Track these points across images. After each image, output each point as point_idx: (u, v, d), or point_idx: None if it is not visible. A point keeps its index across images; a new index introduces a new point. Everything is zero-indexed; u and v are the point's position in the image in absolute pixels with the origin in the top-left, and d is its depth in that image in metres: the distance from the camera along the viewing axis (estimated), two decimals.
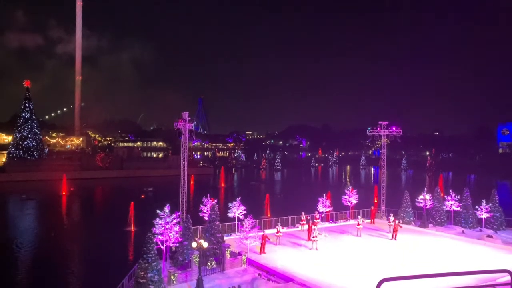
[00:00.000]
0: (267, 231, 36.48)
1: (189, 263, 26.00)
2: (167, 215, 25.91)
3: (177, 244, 27.24)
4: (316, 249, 32.15)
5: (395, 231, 36.41)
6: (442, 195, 46.01)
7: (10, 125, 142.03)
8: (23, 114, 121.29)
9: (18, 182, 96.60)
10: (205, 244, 23.91)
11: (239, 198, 35.03)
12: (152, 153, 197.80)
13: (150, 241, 22.77)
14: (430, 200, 41.78)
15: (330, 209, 41.45)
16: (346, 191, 43.85)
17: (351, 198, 42.79)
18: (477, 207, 39.96)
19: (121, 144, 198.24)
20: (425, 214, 41.65)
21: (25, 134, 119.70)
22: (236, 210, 34.21)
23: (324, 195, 41.49)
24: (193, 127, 37.63)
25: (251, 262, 28.51)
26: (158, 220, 25.78)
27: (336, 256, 30.95)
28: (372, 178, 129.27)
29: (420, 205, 42.01)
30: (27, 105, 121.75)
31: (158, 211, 26.20)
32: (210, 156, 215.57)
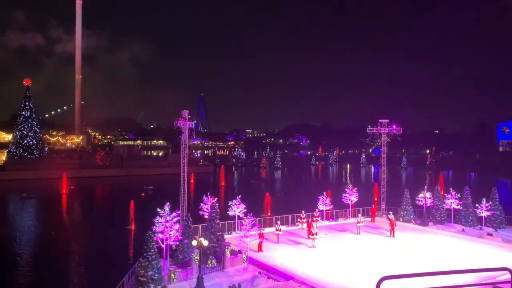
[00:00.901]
0: (267, 229, 36.61)
1: (189, 262, 26.02)
2: (167, 214, 25.92)
3: (178, 243, 27.27)
4: (314, 246, 32.28)
5: (392, 227, 36.59)
6: (442, 193, 46.02)
7: (10, 123, 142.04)
8: (23, 112, 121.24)
9: (18, 180, 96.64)
10: (205, 243, 23.92)
11: (239, 196, 35.01)
12: (152, 152, 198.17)
13: (151, 240, 22.77)
14: (430, 198, 41.81)
15: (330, 207, 41.45)
16: (346, 189, 43.84)
17: (351, 197, 42.78)
18: (477, 205, 40.00)
19: (121, 143, 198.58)
20: (425, 212, 41.66)
21: (25, 132, 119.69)
22: (236, 209, 34.22)
23: (324, 193, 41.48)
24: (193, 126, 37.58)
25: (251, 261, 28.54)
26: (158, 219, 25.78)
27: (336, 254, 30.97)
28: (372, 177, 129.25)
29: (420, 203, 42.03)
30: (27, 103, 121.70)
31: (158, 210, 26.21)
32: (210, 154, 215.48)
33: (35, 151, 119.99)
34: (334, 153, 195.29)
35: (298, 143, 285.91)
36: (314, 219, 38.49)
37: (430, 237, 36.85)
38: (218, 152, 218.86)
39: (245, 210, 33.73)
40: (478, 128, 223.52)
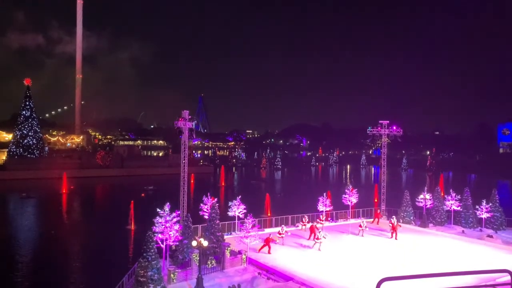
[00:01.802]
0: (267, 230, 36.55)
1: (189, 262, 26.01)
2: (167, 214, 25.90)
3: (177, 243, 27.26)
4: (319, 249, 32.13)
5: (395, 231, 36.45)
6: (442, 194, 46.00)
7: (11, 123, 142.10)
8: (24, 112, 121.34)
9: (18, 180, 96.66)
10: (205, 243, 23.91)
11: (239, 197, 34.98)
12: (153, 152, 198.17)
13: (150, 240, 22.76)
14: (430, 199, 41.77)
15: (330, 208, 41.43)
16: (346, 190, 43.82)
17: (351, 197, 42.76)
18: (477, 207, 39.94)
19: (121, 143, 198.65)
20: (425, 213, 41.63)
21: (25, 132, 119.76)
22: (236, 209, 34.20)
23: (324, 194, 41.45)
24: (193, 126, 37.57)
25: (251, 261, 28.52)
26: (158, 219, 25.76)
27: (336, 256, 30.94)
28: (373, 178, 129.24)
29: (421, 204, 41.99)
30: (27, 103, 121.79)
31: (158, 210, 26.19)
32: (210, 155, 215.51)
33: (35, 150, 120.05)
34: (334, 154, 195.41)
35: (298, 144, 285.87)
36: (318, 221, 38.23)
37: (430, 239, 36.81)
38: (218, 152, 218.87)
39: (245, 211, 33.73)
40: (478, 129, 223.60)
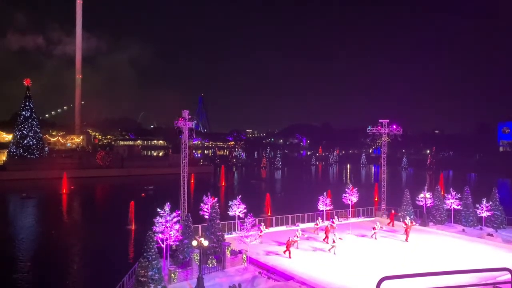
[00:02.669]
0: (266, 230, 36.53)
1: (189, 262, 26.02)
2: (167, 214, 25.91)
3: (178, 243, 27.26)
4: (334, 253, 30.86)
5: (407, 232, 35.41)
6: (442, 193, 45.99)
7: (11, 123, 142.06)
8: (24, 112, 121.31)
9: (19, 180, 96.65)
10: (205, 243, 23.91)
11: (240, 196, 35.01)
12: (153, 152, 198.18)
13: (151, 240, 22.76)
14: (430, 198, 41.75)
15: (331, 207, 41.41)
16: (346, 189, 43.83)
17: (351, 197, 42.77)
18: (477, 205, 39.96)
19: (121, 143, 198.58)
20: (425, 212, 41.62)
21: (25, 132, 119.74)
22: (237, 209, 34.23)
23: (325, 193, 41.46)
24: (193, 126, 37.56)
25: (251, 261, 28.52)
26: (158, 219, 25.78)
27: (336, 255, 30.91)
28: (373, 177, 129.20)
29: (421, 203, 41.99)
30: (27, 103, 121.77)
31: (158, 210, 26.20)
32: (210, 154, 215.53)
33: (35, 151, 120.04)
34: (334, 153, 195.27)
35: (298, 143, 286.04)
36: (331, 224, 36.19)
37: (430, 237, 36.81)
38: (218, 152, 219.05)
39: (245, 210, 33.73)
40: (478, 128, 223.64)
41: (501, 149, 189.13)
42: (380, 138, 47.25)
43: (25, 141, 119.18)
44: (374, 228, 36.27)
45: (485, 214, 39.32)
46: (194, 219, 30.61)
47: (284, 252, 30.14)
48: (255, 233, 30.56)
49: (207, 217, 31.68)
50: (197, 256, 24.89)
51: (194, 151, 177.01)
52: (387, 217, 43.45)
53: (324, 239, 34.16)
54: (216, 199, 33.57)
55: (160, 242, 25.59)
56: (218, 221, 29.81)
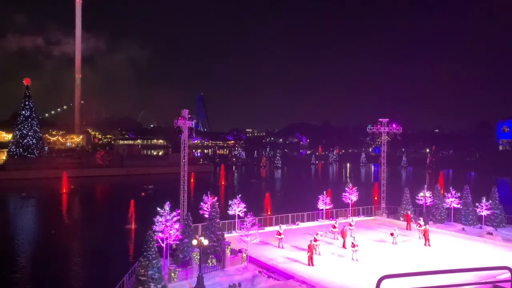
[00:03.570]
0: (267, 229, 36.49)
1: (189, 261, 26.03)
2: (167, 213, 25.90)
3: (178, 242, 27.26)
4: (356, 260, 28.62)
5: (426, 236, 33.59)
6: (442, 192, 45.99)
7: (10, 123, 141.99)
8: (23, 112, 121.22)
9: (18, 180, 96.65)
10: (205, 242, 23.91)
11: (239, 195, 35.01)
12: (152, 151, 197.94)
13: (151, 239, 22.75)
14: (430, 197, 41.79)
15: (330, 206, 41.42)
16: (346, 188, 43.84)
17: (351, 196, 42.79)
18: (477, 204, 39.96)
19: (121, 142, 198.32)
20: (425, 211, 41.64)
21: (25, 132, 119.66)
22: (236, 208, 34.23)
23: (324, 192, 41.47)
24: (193, 125, 37.55)
25: (251, 260, 28.53)
26: (158, 218, 25.77)
27: (337, 254, 30.92)
28: (372, 176, 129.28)
29: (420, 202, 42.02)
30: (27, 103, 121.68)
31: (158, 209, 26.20)
32: (210, 153, 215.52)
33: (35, 150, 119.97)
34: (334, 152, 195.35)
35: (298, 142, 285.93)
36: (349, 228, 34.58)
37: (430, 236, 36.74)
38: (218, 151, 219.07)
39: (245, 210, 33.74)
40: (478, 127, 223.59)
41: (500, 147, 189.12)
42: (379, 137, 47.25)
43: (25, 141, 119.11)
44: (392, 234, 34.17)
45: (484, 212, 39.34)
46: (194, 218, 30.61)
47: (309, 258, 27.58)
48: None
49: (207, 216, 31.68)
50: (197, 255, 24.90)
51: (194, 150, 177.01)
52: (386, 216, 43.49)
53: (343, 245, 31.97)
54: (216, 198, 33.58)
55: (160, 241, 25.59)
56: (218, 220, 29.82)
